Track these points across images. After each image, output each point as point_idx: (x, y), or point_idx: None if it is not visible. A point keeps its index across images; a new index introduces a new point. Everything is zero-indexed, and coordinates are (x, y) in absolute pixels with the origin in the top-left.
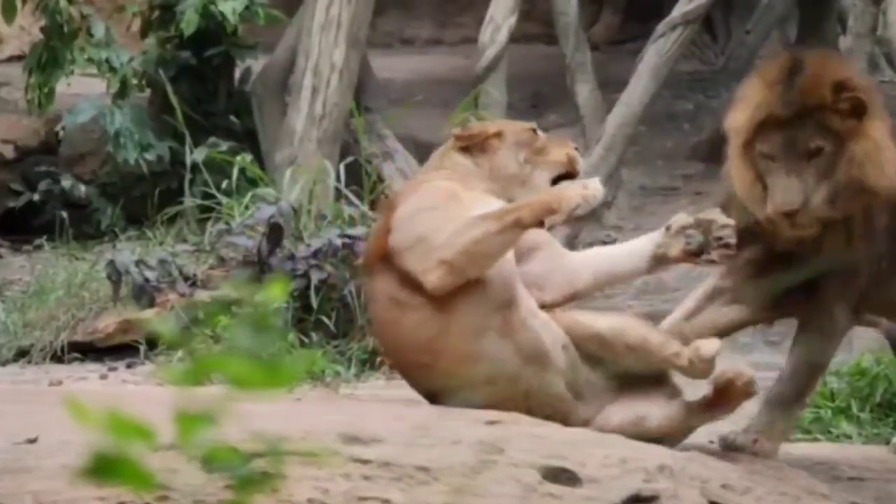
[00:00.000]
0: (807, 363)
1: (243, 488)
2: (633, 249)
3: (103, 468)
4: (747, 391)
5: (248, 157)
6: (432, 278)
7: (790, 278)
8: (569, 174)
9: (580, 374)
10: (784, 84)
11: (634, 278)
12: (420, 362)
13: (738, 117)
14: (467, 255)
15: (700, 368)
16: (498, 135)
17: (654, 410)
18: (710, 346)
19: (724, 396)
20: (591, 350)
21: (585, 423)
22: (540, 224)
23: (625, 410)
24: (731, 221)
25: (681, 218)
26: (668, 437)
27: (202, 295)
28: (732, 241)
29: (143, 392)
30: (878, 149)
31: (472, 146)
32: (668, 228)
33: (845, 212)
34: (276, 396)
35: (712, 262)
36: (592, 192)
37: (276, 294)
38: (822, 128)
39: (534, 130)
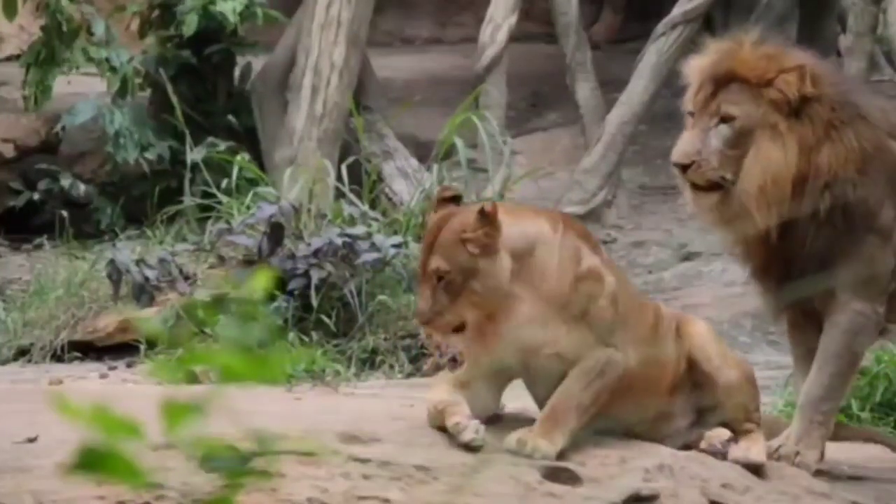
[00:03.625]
0: (827, 360)
1: (238, 484)
2: None
3: (91, 463)
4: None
5: (247, 157)
6: None
7: (801, 279)
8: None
9: None
10: (732, 50)
11: None
12: None
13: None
14: None
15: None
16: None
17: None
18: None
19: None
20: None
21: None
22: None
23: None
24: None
25: None
26: None
27: (202, 294)
28: None
29: (142, 391)
30: (770, 154)
31: None
32: None
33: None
34: (265, 388)
35: None
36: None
37: (261, 284)
38: (745, 99)
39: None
